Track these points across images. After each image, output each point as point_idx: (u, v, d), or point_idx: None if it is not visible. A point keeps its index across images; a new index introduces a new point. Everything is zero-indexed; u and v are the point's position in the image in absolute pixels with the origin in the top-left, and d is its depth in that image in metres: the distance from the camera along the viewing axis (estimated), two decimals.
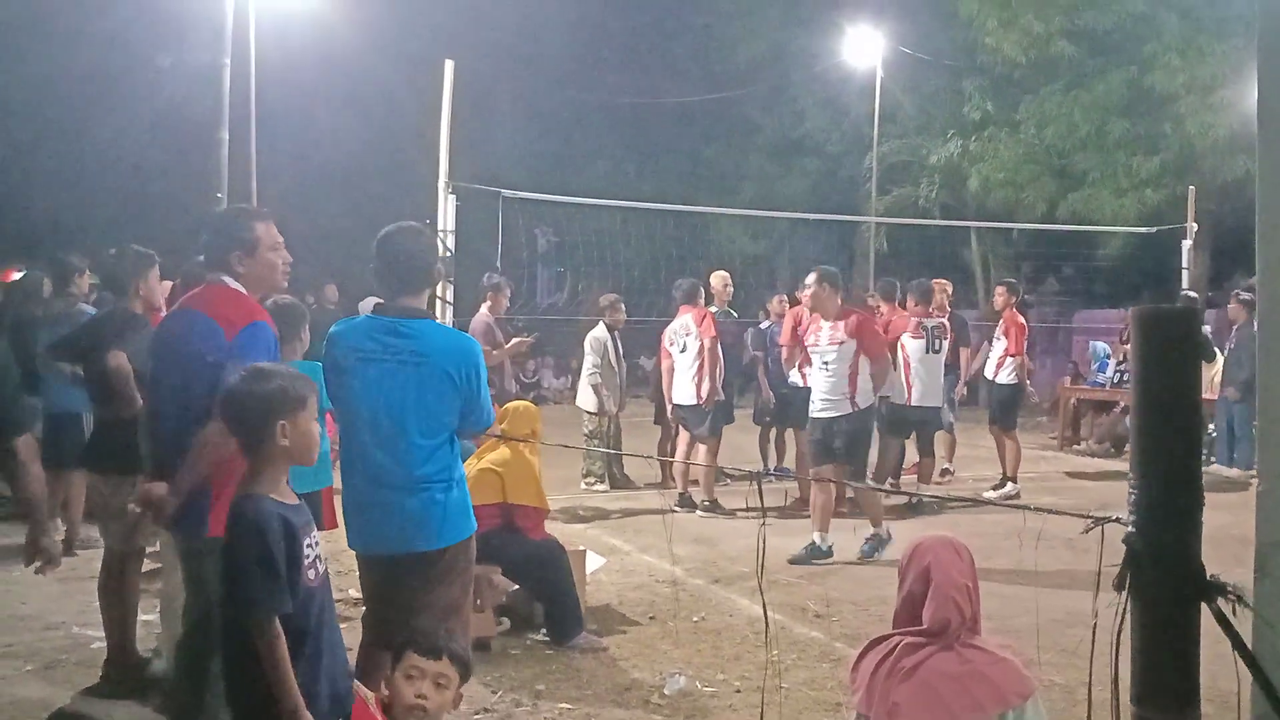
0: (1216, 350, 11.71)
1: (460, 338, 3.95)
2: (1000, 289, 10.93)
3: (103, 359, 5.00)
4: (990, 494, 9.92)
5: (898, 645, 2.94)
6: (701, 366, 9.24)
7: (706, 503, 9.16)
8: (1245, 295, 11.70)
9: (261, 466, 2.87)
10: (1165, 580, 1.72)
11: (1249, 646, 1.78)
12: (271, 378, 2.91)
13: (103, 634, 5.05)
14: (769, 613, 4.31)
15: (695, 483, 9.46)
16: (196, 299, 3.96)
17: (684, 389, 9.36)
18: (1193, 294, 11.97)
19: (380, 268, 3.81)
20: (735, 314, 11.06)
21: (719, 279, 10.47)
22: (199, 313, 3.84)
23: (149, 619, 5.23)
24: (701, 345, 9.23)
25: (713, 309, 9.83)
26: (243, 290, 3.88)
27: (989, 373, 10.65)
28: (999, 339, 10.56)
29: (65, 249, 8.99)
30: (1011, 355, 10.36)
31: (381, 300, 3.85)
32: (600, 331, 10.42)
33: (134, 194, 23.96)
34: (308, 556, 2.84)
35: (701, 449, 9.36)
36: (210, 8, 13.69)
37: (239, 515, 2.78)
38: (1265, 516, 1.85)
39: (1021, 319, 10.66)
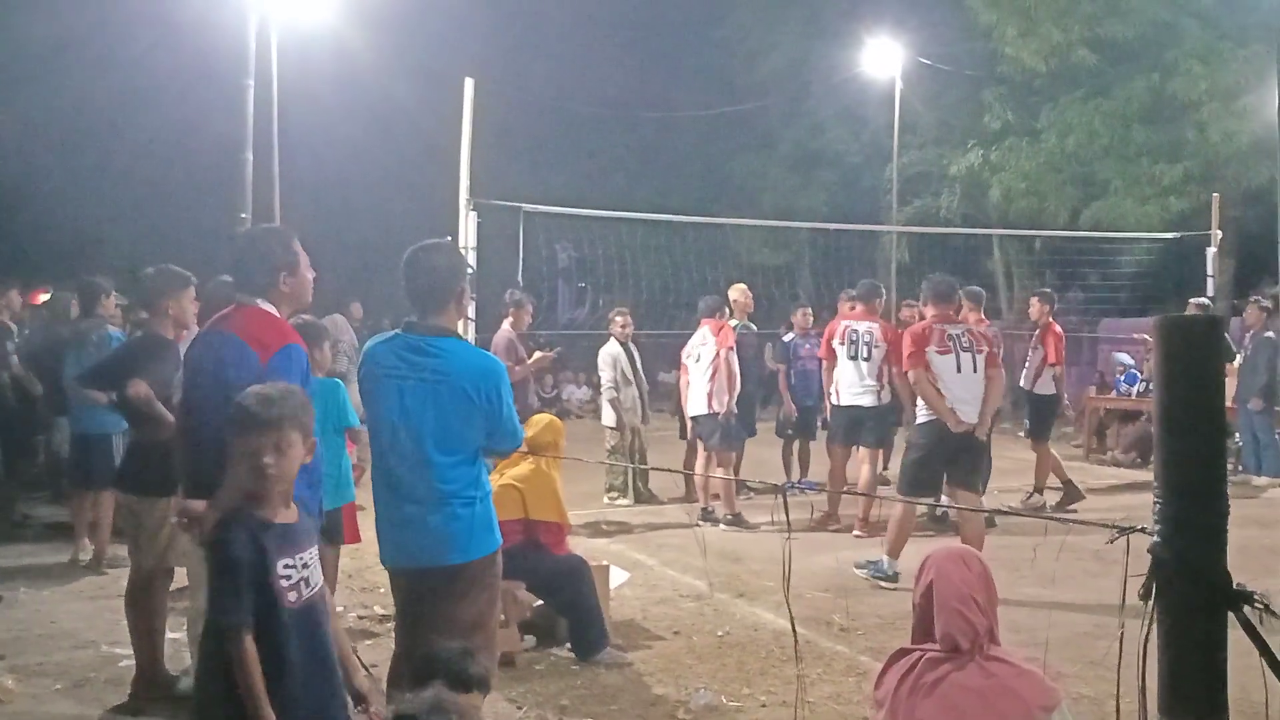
0: (1236, 352, 11.56)
1: (483, 358, 3.97)
2: (1034, 299, 10.77)
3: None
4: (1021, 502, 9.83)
5: (920, 660, 2.92)
6: (715, 375, 9.19)
7: (729, 517, 9.12)
8: (1265, 301, 11.60)
9: (234, 485, 2.97)
10: (1191, 589, 1.71)
11: (1277, 655, 1.77)
12: (264, 403, 2.95)
13: (131, 652, 5.09)
14: (794, 627, 4.30)
15: (717, 496, 9.42)
16: (229, 321, 3.92)
17: (698, 399, 9.32)
18: (1204, 301, 11.79)
19: (409, 285, 3.83)
20: (755, 326, 11.03)
21: (738, 291, 10.45)
22: (233, 335, 3.82)
23: (176, 637, 5.26)
24: (717, 354, 9.19)
25: (733, 322, 9.82)
26: (275, 312, 3.89)
27: (1024, 383, 10.54)
28: (1035, 349, 10.43)
29: (92, 271, 9.10)
30: (1050, 365, 10.23)
31: (388, 317, 3.87)
32: (612, 347, 10.41)
33: (159, 215, 24.24)
34: (288, 578, 2.85)
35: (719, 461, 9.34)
36: (233, 30, 13.83)
37: (214, 532, 2.90)
38: None
39: (1059, 329, 10.52)
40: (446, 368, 3.73)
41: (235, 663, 2.74)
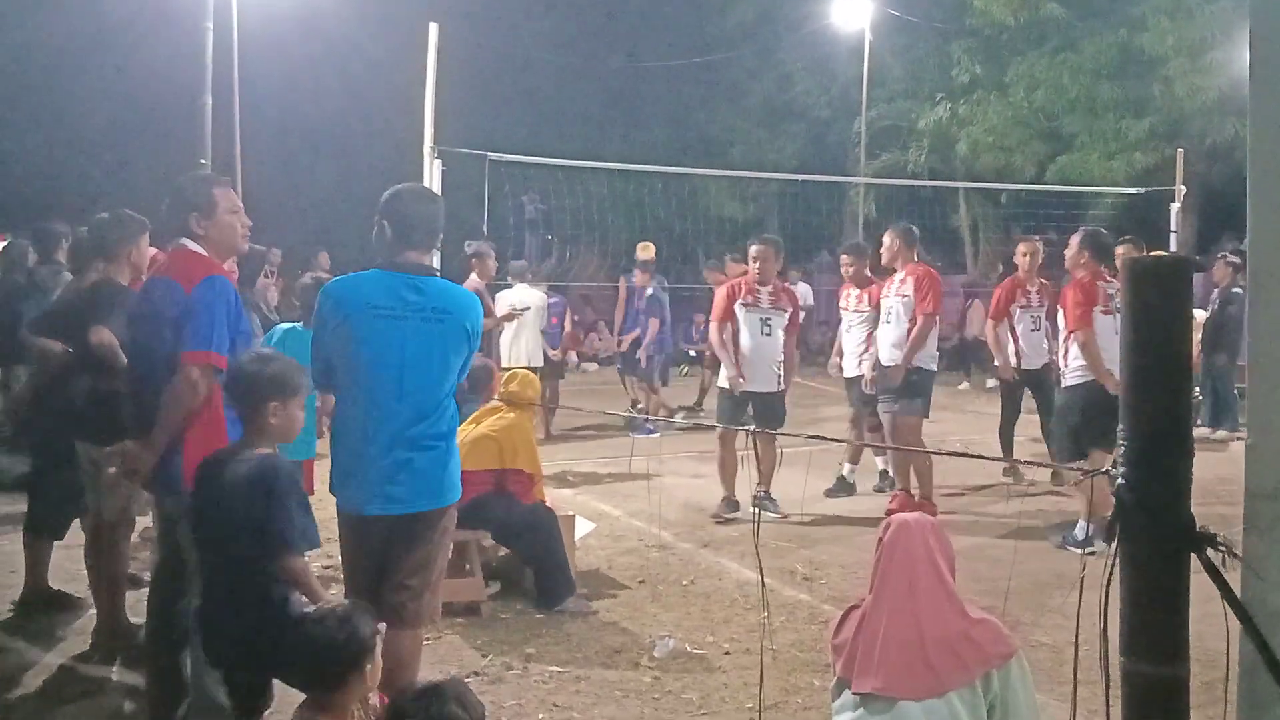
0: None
1: (469, 294, 4.01)
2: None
3: (87, 334, 4.94)
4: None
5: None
6: None
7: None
8: (1233, 258, 11.69)
9: (256, 438, 3.34)
10: (1155, 530, 1.71)
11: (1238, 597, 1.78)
12: (270, 362, 3.40)
13: (92, 601, 5.05)
14: (757, 575, 4.32)
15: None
16: (161, 266, 4.13)
17: None
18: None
19: (390, 225, 3.78)
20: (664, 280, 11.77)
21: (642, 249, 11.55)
22: (162, 277, 3.97)
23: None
24: None
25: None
26: (202, 251, 3.93)
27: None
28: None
29: (49, 217, 8.89)
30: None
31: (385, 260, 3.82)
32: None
33: (117, 161, 23.76)
34: None
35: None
36: None
37: (271, 467, 3.23)
38: (1254, 469, 1.84)
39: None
40: (446, 306, 3.74)
41: (304, 575, 3.23)
